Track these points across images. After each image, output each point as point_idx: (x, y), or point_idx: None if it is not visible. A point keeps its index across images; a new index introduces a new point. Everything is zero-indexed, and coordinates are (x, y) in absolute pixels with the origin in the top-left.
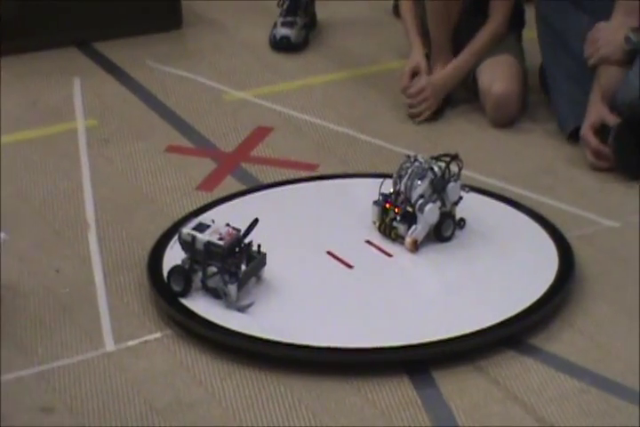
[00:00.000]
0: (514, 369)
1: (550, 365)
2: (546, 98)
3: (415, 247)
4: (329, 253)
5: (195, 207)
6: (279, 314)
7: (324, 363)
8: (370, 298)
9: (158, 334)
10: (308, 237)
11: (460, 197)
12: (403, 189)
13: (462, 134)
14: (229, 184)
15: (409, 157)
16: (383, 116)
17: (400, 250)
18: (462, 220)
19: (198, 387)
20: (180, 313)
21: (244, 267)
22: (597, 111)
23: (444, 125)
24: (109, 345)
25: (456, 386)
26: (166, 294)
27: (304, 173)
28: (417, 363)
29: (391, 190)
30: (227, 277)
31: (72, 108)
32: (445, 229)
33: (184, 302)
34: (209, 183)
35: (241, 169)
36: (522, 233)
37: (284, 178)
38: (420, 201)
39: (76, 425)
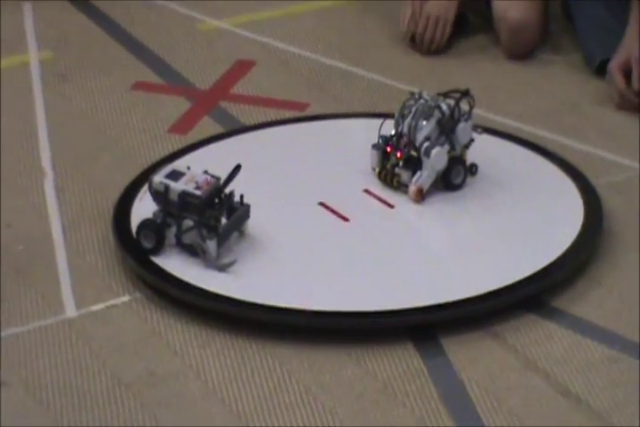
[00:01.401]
0: (534, 335)
1: (576, 330)
2: (570, 25)
3: (420, 197)
4: (322, 204)
5: (167, 152)
6: (265, 274)
7: (318, 329)
8: (369, 255)
9: (126, 298)
10: (297, 187)
11: (472, 140)
12: (406, 130)
13: (474, 68)
14: (206, 126)
15: (413, 93)
16: (382, 48)
17: (403, 200)
18: (474, 165)
19: (173, 357)
20: (152, 273)
21: (224, 220)
22: (634, 44)
23: (454, 58)
24: (70, 310)
25: (468, 355)
26: (135, 251)
27: (292, 114)
28: (423, 329)
29: (392, 132)
30: (205, 232)
31: (23, 39)
32: (455, 176)
33: (156, 260)
34: (183, 125)
35: (219, 109)
36: (542, 180)
37: (269, 119)
38: (426, 144)
39: (33, 401)
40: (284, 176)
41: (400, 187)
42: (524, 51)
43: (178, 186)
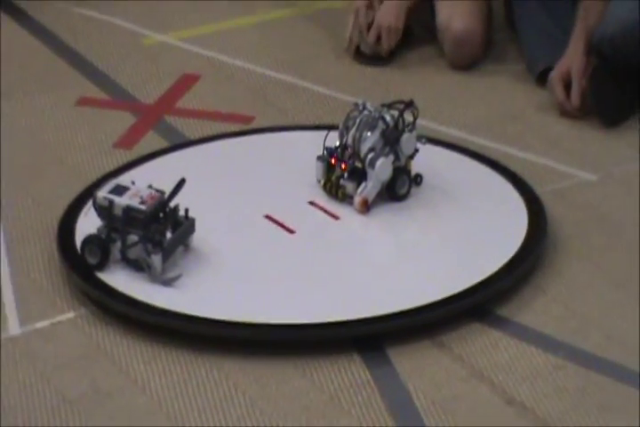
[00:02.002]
0: (480, 344)
1: (521, 338)
2: (513, 35)
3: (365, 208)
4: (267, 216)
5: (112, 167)
6: (211, 287)
7: (263, 342)
8: (314, 267)
9: (71, 314)
10: (243, 200)
11: (416, 150)
12: (350, 141)
13: (418, 78)
14: (151, 140)
15: (357, 104)
16: (327, 60)
17: (348, 211)
18: (419, 175)
19: (118, 373)
20: (97, 289)
21: (169, 234)
22: (576, 56)
23: (398, 69)
24: (14, 328)
25: (414, 364)
26: (80, 267)
27: (237, 127)
28: (369, 339)
29: (337, 144)
30: (149, 247)
31: None
32: (400, 187)
33: (101, 276)
34: (128, 140)
35: (164, 123)
36: (487, 189)
37: (215, 132)
38: (371, 155)
39: None
40: (230, 189)
41: (345, 198)
42: (467, 61)
43: (122, 201)
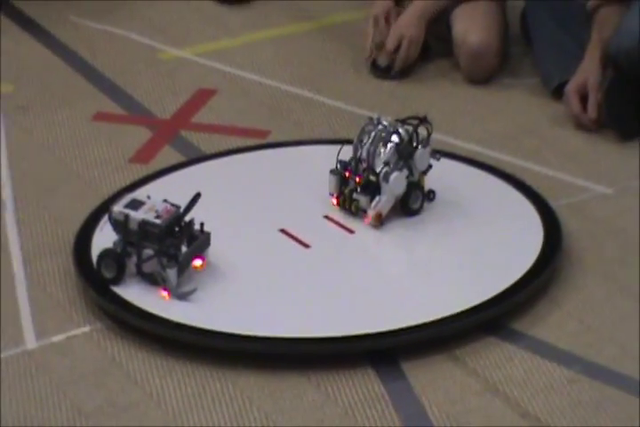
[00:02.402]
0: (494, 358)
1: (536, 352)
2: (529, 49)
3: (379, 222)
4: (282, 231)
5: (128, 182)
6: (226, 301)
7: (278, 356)
8: (329, 281)
9: (87, 328)
10: (258, 214)
11: (430, 166)
12: (365, 155)
13: (434, 92)
14: (167, 155)
15: (371, 119)
16: (343, 74)
17: (362, 226)
18: (432, 191)
19: (134, 387)
20: (112, 303)
21: (184, 249)
22: (592, 69)
23: (414, 83)
24: (30, 342)
25: (429, 378)
26: (96, 281)
27: (253, 141)
28: (384, 353)
29: (351, 157)
30: (165, 261)
31: None
32: (413, 202)
33: (116, 290)
34: (144, 154)
35: (180, 138)
36: (502, 203)
37: (231, 147)
38: (385, 169)
39: None
40: (245, 203)
41: (358, 212)
42: (483, 75)
43: (137, 215)
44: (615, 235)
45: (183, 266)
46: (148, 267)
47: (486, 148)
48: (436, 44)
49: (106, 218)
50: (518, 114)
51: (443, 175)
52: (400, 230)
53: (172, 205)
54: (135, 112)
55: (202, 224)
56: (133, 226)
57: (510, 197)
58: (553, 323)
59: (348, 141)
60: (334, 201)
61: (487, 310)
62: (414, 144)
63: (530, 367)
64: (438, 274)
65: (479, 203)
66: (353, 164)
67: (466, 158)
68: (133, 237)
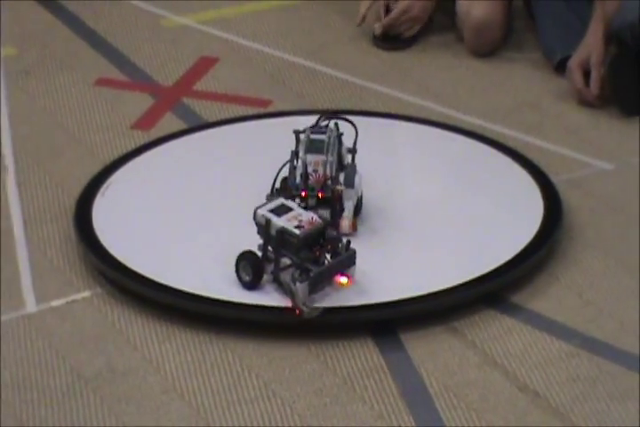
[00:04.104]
0: (493, 330)
1: (534, 325)
2: (532, 23)
3: (355, 228)
4: None
5: (129, 148)
6: (224, 269)
7: (277, 325)
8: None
9: (87, 293)
10: (256, 183)
11: (348, 164)
12: (320, 168)
13: (436, 65)
14: (169, 122)
15: (299, 132)
16: (345, 45)
17: (365, 195)
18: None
19: (133, 352)
20: (112, 269)
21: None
22: (595, 43)
23: (416, 55)
24: (30, 305)
25: (427, 350)
26: (96, 247)
27: (255, 110)
28: (383, 324)
29: (294, 176)
30: (297, 274)
31: None
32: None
33: (116, 256)
34: (146, 121)
35: (182, 105)
36: (503, 177)
37: (232, 115)
38: (343, 174)
39: None
40: (244, 172)
41: None
42: (486, 48)
43: (278, 221)
44: (615, 210)
45: (316, 282)
46: (284, 276)
47: (488, 121)
48: (439, 16)
49: (108, 183)
50: (521, 88)
51: (444, 148)
52: (400, 203)
53: (320, 217)
54: (137, 79)
55: (348, 242)
56: (273, 232)
57: (511, 171)
58: (552, 297)
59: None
60: None
61: (487, 282)
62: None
63: (529, 341)
64: (438, 247)
65: (480, 176)
66: (300, 181)
67: (467, 131)
68: (273, 243)
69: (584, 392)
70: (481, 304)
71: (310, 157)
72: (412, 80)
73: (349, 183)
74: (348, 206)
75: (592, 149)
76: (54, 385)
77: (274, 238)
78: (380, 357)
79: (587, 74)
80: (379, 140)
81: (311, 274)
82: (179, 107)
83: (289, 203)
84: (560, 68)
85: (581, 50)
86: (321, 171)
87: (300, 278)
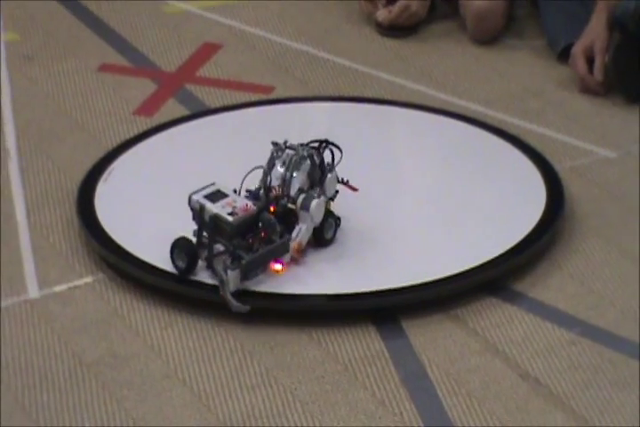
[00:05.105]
0: (494, 318)
1: (536, 313)
2: (535, 11)
3: (300, 254)
4: None
5: (132, 134)
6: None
7: (279, 311)
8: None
9: (89, 279)
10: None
11: (337, 192)
12: (277, 182)
13: (439, 52)
14: (172, 108)
15: (277, 144)
16: (348, 32)
17: (368, 184)
18: (338, 218)
19: (135, 338)
20: (114, 255)
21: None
22: (598, 31)
23: (419, 42)
24: (33, 291)
25: (429, 337)
26: (98, 232)
27: (257, 97)
28: (385, 311)
29: (260, 185)
30: (228, 261)
31: None
32: (327, 230)
33: (119, 241)
34: (148, 107)
35: (185, 91)
36: (505, 164)
37: (235, 101)
38: (303, 196)
39: None
40: (247, 159)
41: None
42: (489, 36)
43: (212, 208)
44: (618, 199)
45: (248, 270)
46: (217, 263)
47: (490, 108)
48: (442, 3)
49: (110, 169)
50: (523, 75)
51: (446, 135)
52: (401, 190)
53: (255, 204)
54: (140, 64)
55: (282, 230)
56: (207, 218)
57: (513, 158)
58: (554, 285)
59: (257, 167)
60: None
61: (488, 270)
62: (324, 169)
63: (530, 329)
64: (440, 234)
65: (482, 164)
66: (263, 193)
67: (469, 118)
68: (206, 229)
69: (585, 380)
70: (483, 292)
71: (275, 172)
72: (415, 67)
73: (304, 206)
74: (298, 229)
75: (595, 136)
76: (56, 370)
77: (207, 225)
78: (382, 344)
79: (590, 61)
80: (380, 127)
81: (243, 262)
82: (181, 93)
83: (225, 189)
84: (563, 55)
85: (585, 37)
86: (276, 185)
87: (231, 266)
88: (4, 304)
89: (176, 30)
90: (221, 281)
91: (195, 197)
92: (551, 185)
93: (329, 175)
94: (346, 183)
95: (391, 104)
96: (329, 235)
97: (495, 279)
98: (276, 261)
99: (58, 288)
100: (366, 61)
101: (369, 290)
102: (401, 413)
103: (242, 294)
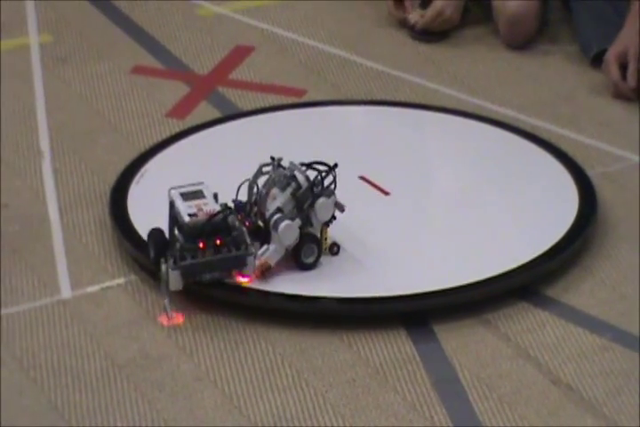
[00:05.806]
0: (526, 323)
1: (568, 318)
2: (568, 16)
3: (265, 273)
4: None
5: (164, 136)
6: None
7: (311, 314)
8: (364, 243)
9: (121, 280)
10: None
11: (334, 217)
12: (258, 198)
13: (471, 57)
14: (204, 111)
15: (273, 159)
16: (380, 36)
17: (400, 187)
18: (336, 245)
19: (166, 340)
20: (147, 256)
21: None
22: (632, 37)
23: (451, 46)
24: (65, 291)
25: (460, 341)
26: (131, 234)
27: (289, 100)
28: (416, 315)
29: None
30: (171, 261)
31: (23, 22)
32: (306, 255)
33: None
34: (181, 109)
35: (217, 94)
36: (538, 170)
37: (267, 104)
38: (277, 216)
39: (27, 380)
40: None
41: None
42: (521, 40)
43: (179, 205)
44: None
45: (189, 273)
46: (169, 259)
47: (522, 114)
48: (475, 8)
49: (142, 171)
50: (556, 81)
51: (478, 140)
52: (433, 195)
53: (223, 212)
54: (173, 67)
55: (246, 243)
56: (174, 214)
57: (546, 163)
58: (586, 290)
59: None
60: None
61: (520, 275)
62: (316, 192)
63: (562, 334)
64: (473, 239)
65: (515, 169)
66: (247, 206)
67: (501, 123)
68: (173, 225)
69: (617, 386)
70: (514, 297)
71: (262, 188)
72: (447, 72)
73: (273, 226)
74: (265, 248)
75: (627, 142)
76: (88, 371)
77: (174, 220)
78: (413, 348)
79: (623, 67)
80: (412, 132)
81: (182, 264)
82: (214, 95)
83: (206, 191)
84: (596, 61)
85: (618, 43)
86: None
87: (173, 266)
88: (37, 304)
89: (209, 33)
90: (162, 279)
91: (172, 192)
92: (583, 191)
93: (322, 199)
94: (342, 212)
95: (423, 108)
96: (308, 259)
97: (527, 284)
98: (242, 275)
99: (90, 289)
100: (398, 65)
101: (400, 294)
102: (432, 417)
103: (274, 296)
